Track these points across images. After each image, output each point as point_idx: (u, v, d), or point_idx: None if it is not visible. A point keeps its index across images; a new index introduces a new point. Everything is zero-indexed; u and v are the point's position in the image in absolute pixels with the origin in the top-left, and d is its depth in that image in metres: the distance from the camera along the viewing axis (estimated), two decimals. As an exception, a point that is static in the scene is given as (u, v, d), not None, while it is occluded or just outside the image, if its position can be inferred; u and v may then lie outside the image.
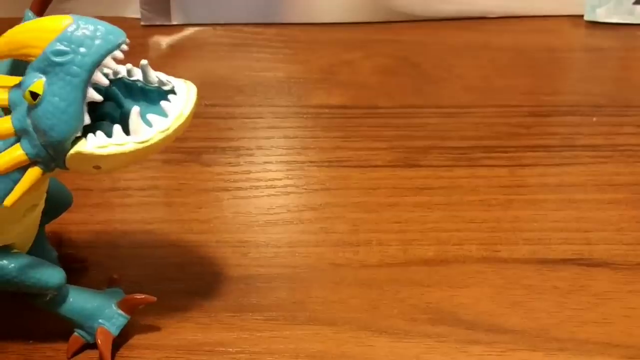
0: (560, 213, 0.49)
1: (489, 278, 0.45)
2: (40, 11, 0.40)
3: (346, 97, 0.60)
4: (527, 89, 0.60)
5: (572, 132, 0.56)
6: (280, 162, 0.54)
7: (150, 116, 0.37)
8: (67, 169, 0.37)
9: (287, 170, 0.53)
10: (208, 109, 0.58)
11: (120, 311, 0.41)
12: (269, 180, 0.52)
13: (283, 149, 0.55)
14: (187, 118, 0.37)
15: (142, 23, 0.68)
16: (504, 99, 0.59)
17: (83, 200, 0.50)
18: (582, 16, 0.67)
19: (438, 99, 0.59)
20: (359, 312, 0.43)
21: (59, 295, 0.41)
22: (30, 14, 0.40)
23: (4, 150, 0.37)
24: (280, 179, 0.52)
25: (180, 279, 0.45)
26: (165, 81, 0.38)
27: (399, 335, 0.42)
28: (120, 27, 0.35)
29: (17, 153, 0.37)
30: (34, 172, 0.37)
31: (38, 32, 0.36)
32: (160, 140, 0.37)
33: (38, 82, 0.35)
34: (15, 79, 0.37)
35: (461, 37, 0.66)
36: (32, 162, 0.37)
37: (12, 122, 0.36)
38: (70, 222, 0.47)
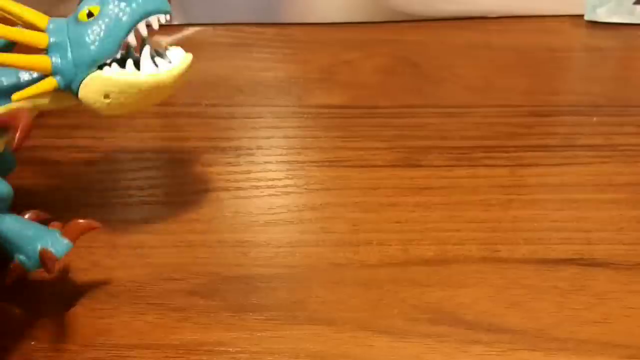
0: (560, 213, 0.49)
1: (489, 278, 0.45)
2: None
3: (346, 97, 0.60)
4: (528, 89, 0.60)
5: (572, 132, 0.56)
6: (281, 162, 0.54)
7: (157, 59, 0.43)
8: (77, 97, 0.42)
9: (287, 170, 0.53)
10: (208, 109, 0.58)
11: (63, 238, 0.42)
12: (269, 180, 0.52)
13: (283, 148, 0.55)
14: (187, 68, 0.43)
15: (142, 23, 0.68)
16: (505, 98, 0.59)
17: (83, 200, 0.50)
18: (583, 16, 0.66)
19: (438, 98, 0.59)
20: (359, 312, 0.43)
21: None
22: None
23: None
24: (280, 179, 0.52)
25: (180, 279, 0.45)
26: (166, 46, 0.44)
27: (399, 335, 0.42)
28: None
29: (45, 65, 0.41)
30: (50, 82, 0.41)
31: None
32: (165, 77, 0.42)
33: (96, 7, 0.41)
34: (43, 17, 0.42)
35: (461, 37, 0.66)
36: (53, 73, 0.41)
37: (49, 36, 0.41)
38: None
